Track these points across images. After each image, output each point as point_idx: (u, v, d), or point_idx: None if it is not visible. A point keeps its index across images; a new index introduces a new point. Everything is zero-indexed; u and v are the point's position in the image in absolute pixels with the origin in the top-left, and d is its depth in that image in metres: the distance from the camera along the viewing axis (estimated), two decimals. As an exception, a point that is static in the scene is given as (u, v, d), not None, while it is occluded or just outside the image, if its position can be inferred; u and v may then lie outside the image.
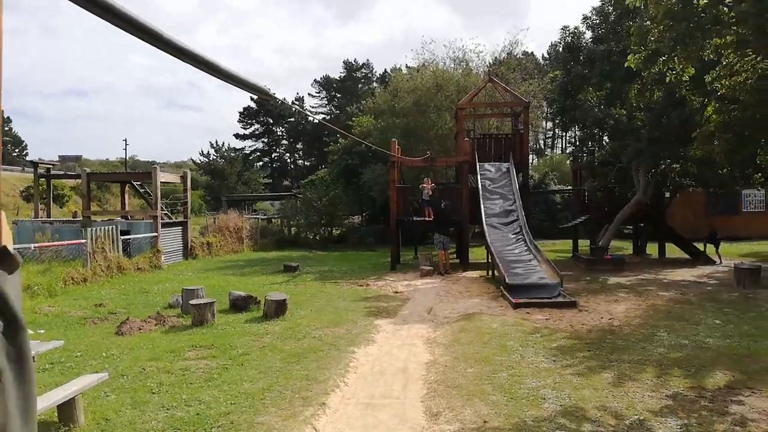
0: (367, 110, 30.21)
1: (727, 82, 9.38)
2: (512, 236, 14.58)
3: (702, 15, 8.08)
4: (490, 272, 13.82)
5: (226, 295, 10.36)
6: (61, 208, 36.06)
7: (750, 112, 8.93)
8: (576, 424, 4.51)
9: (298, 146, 69.94)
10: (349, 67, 67.86)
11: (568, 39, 15.51)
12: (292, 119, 65.53)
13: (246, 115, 66.46)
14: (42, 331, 8.01)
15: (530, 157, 26.16)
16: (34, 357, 3.74)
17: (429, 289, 12.37)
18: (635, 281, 12.40)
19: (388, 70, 52.22)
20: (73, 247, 14.31)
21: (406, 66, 37.58)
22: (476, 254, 17.54)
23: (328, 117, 66.06)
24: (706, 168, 14.29)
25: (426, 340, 7.73)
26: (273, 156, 69.36)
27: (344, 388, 5.67)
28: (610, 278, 12.91)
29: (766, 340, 7.06)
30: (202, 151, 63.84)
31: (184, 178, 20.00)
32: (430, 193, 16.05)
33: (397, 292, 11.98)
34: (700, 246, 16.17)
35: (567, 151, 60.29)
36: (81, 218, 16.93)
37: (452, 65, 29.19)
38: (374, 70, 67.86)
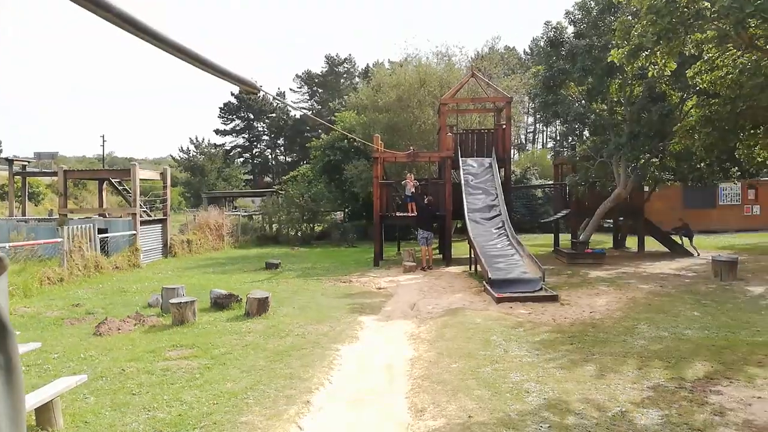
0: (350, 105, 30.10)
1: (707, 77, 9.52)
2: (495, 231, 14.66)
3: (684, 10, 8.18)
4: (473, 267, 13.88)
5: (207, 293, 10.23)
6: (36, 206, 35.35)
7: (730, 106, 9.08)
8: (560, 417, 4.54)
9: (279, 142, 69.35)
10: (331, 61, 67.48)
11: (551, 34, 15.56)
12: (274, 114, 64.98)
13: (226, 111, 65.69)
14: (18, 333, 7.79)
15: (512, 152, 26.29)
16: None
17: (412, 284, 12.37)
18: (615, 275, 12.55)
19: (371, 65, 52.13)
20: (49, 246, 14.01)
21: (389, 61, 37.54)
22: (459, 249, 17.60)
23: (309, 112, 65.67)
24: (684, 162, 14.51)
25: (410, 336, 7.73)
26: (254, 152, 68.71)
27: (328, 386, 5.64)
28: (591, 272, 13.05)
29: (743, 331, 7.19)
30: (181, 147, 62.96)
31: (164, 174, 19.70)
32: (413, 190, 16.05)
33: (380, 288, 11.96)
34: (677, 239, 16.48)
35: (548, 146, 60.98)
36: (57, 216, 16.57)
37: (435, 60, 29.21)
38: (356, 65, 67.59)
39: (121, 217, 17.94)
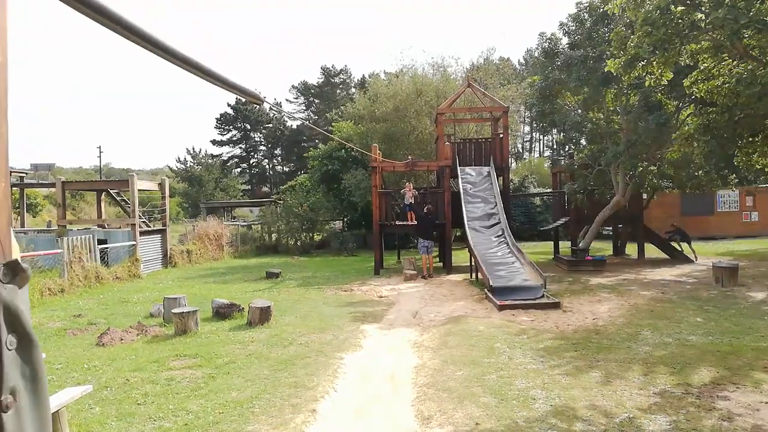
0: (347, 116, 30.20)
1: (704, 86, 9.61)
2: (494, 239, 14.68)
3: (679, 21, 8.27)
4: (474, 275, 13.88)
5: (208, 303, 10.20)
6: (34, 217, 35.23)
7: (728, 115, 9.17)
8: (567, 423, 4.54)
9: (276, 152, 69.49)
10: (327, 72, 67.77)
11: (545, 45, 15.70)
12: (270, 125, 65.14)
13: (223, 121, 65.82)
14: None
15: (509, 160, 26.41)
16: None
17: (413, 293, 12.36)
18: (616, 281, 12.57)
19: (367, 76, 52.38)
20: (48, 257, 13.96)
21: (384, 72, 37.74)
22: (459, 257, 17.62)
23: (306, 123, 65.82)
24: (682, 170, 14.59)
25: (413, 344, 7.72)
26: (251, 162, 68.79)
27: (334, 395, 5.62)
28: (591, 279, 13.07)
29: (747, 336, 7.21)
30: (178, 158, 62.96)
31: (162, 185, 19.69)
32: (411, 200, 16.10)
33: (381, 297, 11.95)
34: (676, 245, 16.57)
35: (545, 155, 61.22)
36: (56, 227, 16.54)
37: (431, 71, 29.38)
38: (352, 76, 67.88)
39: (120, 227, 17.91)
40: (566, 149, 20.34)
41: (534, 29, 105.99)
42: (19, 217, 23.48)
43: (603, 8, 14.08)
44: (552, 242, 19.84)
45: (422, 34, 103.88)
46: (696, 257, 15.70)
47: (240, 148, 67.45)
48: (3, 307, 0.68)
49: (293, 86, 69.96)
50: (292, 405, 5.20)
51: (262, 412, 5.03)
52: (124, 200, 20.82)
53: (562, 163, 21.03)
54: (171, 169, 57.93)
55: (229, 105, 65.13)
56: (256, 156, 69.23)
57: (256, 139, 67.77)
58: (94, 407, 5.25)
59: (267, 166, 70.70)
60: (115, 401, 5.40)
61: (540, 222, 27.31)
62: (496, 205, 15.95)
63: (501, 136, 18.97)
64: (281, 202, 28.15)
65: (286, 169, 67.32)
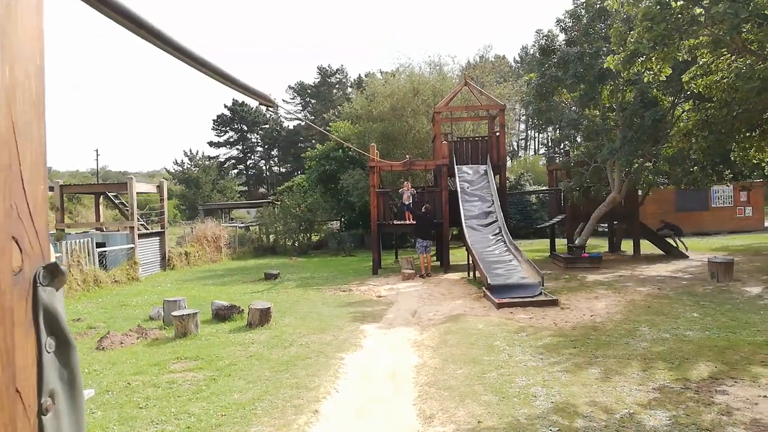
0: (345, 115, 30.22)
1: (702, 82, 9.67)
2: (492, 237, 14.73)
3: (678, 16, 8.32)
4: (471, 273, 13.93)
5: (207, 305, 10.22)
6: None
7: (726, 110, 9.23)
8: (568, 420, 4.58)
9: (273, 153, 69.49)
10: (324, 72, 67.75)
11: (542, 42, 15.73)
12: (267, 126, 65.10)
13: (220, 123, 65.80)
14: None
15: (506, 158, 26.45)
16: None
17: (412, 292, 12.40)
18: (613, 278, 12.64)
19: (363, 75, 52.40)
20: (46, 261, 13.91)
21: (380, 71, 37.76)
22: (456, 256, 17.67)
23: (303, 123, 65.83)
24: (678, 166, 14.66)
25: (413, 343, 7.75)
26: (248, 163, 68.77)
27: (335, 395, 5.65)
28: (588, 276, 13.14)
29: (744, 331, 7.27)
30: (175, 160, 62.90)
31: (160, 188, 19.68)
32: (410, 200, 16.14)
33: (380, 297, 11.98)
34: (671, 241, 16.68)
35: (540, 153, 61.35)
36: (54, 231, 16.51)
37: (428, 69, 29.41)
38: (348, 75, 67.89)
39: (118, 230, 17.89)
40: (562, 146, 20.40)
41: (529, 27, 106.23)
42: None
43: (600, 4, 14.16)
44: (548, 240, 19.91)
45: (418, 32, 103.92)
46: (686, 249, 15.87)
47: (237, 149, 67.45)
48: (43, 310, 0.70)
49: (290, 86, 70.02)
50: (294, 406, 5.22)
51: (264, 413, 5.06)
52: (122, 203, 20.79)
53: (558, 160, 21.06)
54: (168, 171, 57.90)
55: (225, 106, 65.14)
56: (253, 157, 69.24)
57: (253, 140, 67.78)
58: (95, 411, 5.26)
59: (264, 167, 70.68)
60: (117, 405, 5.42)
61: (536, 220, 27.40)
62: (493, 204, 15.99)
63: (497, 134, 19.02)
64: (279, 203, 28.15)
65: (283, 170, 67.34)
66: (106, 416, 5.14)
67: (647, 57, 9.01)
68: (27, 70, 0.82)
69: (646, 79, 10.20)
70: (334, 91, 65.63)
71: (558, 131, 18.84)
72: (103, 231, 18.16)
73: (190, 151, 58.11)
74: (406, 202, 16.29)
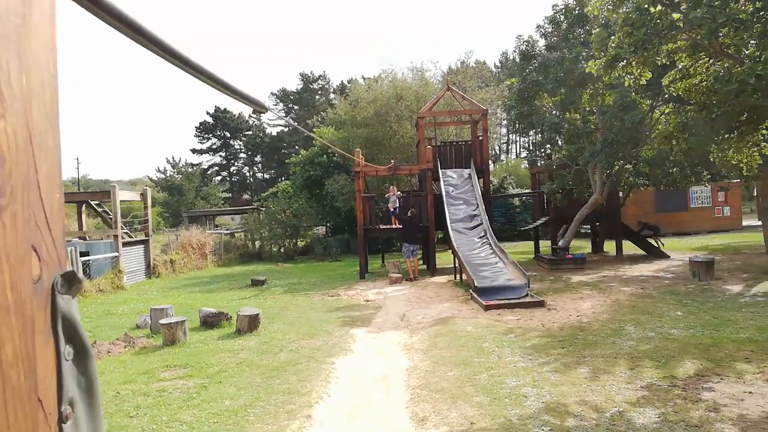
0: (328, 121, 30.21)
1: (681, 85, 9.87)
2: (477, 240, 14.83)
3: (657, 21, 8.50)
4: (458, 276, 14.00)
5: (195, 312, 10.14)
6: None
7: (705, 112, 9.42)
8: (560, 419, 4.64)
9: (256, 159, 69.16)
10: (306, 78, 67.69)
11: (523, 47, 15.93)
12: (250, 132, 64.81)
13: (202, 130, 65.30)
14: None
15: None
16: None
17: (399, 295, 12.43)
18: (597, 278, 12.80)
19: (345, 81, 52.48)
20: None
21: (363, 77, 37.85)
22: (442, 259, 17.75)
23: (286, 129, 65.68)
24: (657, 167, 14.93)
25: (403, 347, 7.78)
26: (231, 170, 68.33)
27: (328, 400, 5.65)
28: (573, 277, 13.29)
29: (727, 328, 7.42)
30: (158, 168, 62.25)
31: (144, 195, 19.48)
32: (396, 204, 16.18)
33: (368, 301, 11.99)
34: (652, 242, 16.96)
35: (522, 156, 61.90)
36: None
37: (410, 75, 29.56)
38: (331, 81, 67.92)
39: (102, 239, 17.65)
40: (544, 150, 20.62)
41: (510, 33, 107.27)
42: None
43: (579, 10, 14.38)
44: (532, 242, 20.10)
45: (401, 38, 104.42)
46: (662, 245, 16.26)
47: (220, 156, 67.00)
48: (61, 318, 0.71)
49: (272, 93, 69.78)
50: (286, 411, 5.21)
51: (257, 419, 5.04)
52: (105, 211, 20.53)
53: (540, 163, 21.31)
54: (150, 179, 57.25)
55: (208, 113, 64.70)
56: (236, 163, 68.84)
57: (236, 146, 67.42)
58: (85, 422, 5.19)
59: (248, 174, 70.30)
60: (107, 415, 5.35)
61: (519, 222, 27.64)
62: (477, 207, 16.11)
63: (480, 138, 19.18)
64: (263, 209, 28.02)
65: (267, 176, 67.05)
66: (95, 427, 5.06)
67: (628, 62, 9.18)
68: (42, 79, 0.84)
69: (626, 83, 10.40)
70: (317, 97, 65.61)
71: (540, 135, 19.05)
72: (86, 240, 17.92)
73: (173, 158, 57.47)
74: (392, 208, 16.35)
